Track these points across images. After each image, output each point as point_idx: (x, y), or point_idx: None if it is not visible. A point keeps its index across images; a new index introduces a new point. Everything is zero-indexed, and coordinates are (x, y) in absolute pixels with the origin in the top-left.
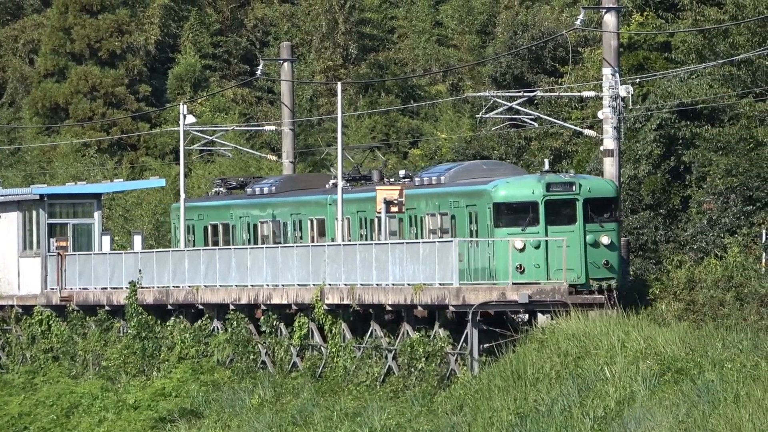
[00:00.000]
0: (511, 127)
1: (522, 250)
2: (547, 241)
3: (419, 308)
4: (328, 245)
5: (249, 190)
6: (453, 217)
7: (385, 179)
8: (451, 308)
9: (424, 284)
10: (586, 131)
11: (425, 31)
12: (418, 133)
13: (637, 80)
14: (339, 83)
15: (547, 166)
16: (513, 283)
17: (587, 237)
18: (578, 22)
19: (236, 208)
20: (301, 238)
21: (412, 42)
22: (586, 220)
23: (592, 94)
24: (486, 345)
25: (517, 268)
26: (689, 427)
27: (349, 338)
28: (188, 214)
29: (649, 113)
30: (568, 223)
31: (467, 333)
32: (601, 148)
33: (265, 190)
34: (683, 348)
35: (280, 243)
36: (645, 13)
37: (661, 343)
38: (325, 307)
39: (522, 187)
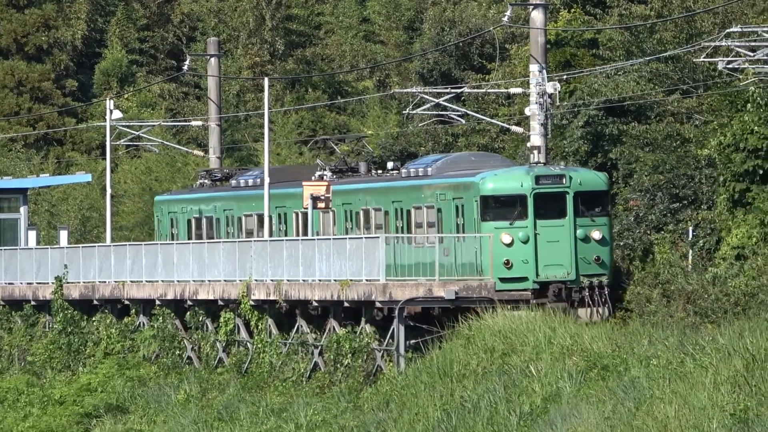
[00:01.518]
0: (438, 124)
1: (510, 245)
2: (536, 235)
3: (346, 304)
4: (254, 240)
5: (233, 182)
6: (439, 210)
7: (373, 171)
8: (378, 304)
9: (351, 280)
10: (513, 128)
11: (352, 27)
12: (345, 129)
13: (564, 77)
14: (266, 79)
15: (535, 159)
16: (439, 279)
17: (577, 231)
18: (505, 19)
19: (220, 200)
20: (286, 231)
21: (339, 38)
22: (576, 214)
23: (519, 90)
24: (412, 341)
25: (505, 263)
26: (615, 424)
27: (275, 334)
28: (171, 206)
29: (576, 110)
30: (557, 217)
31: (394, 329)
32: (528, 144)
33: (250, 182)
34: (609, 344)
35: (264, 236)
36: (572, 10)
37: (588, 340)
38: (252, 302)
39: (510, 179)
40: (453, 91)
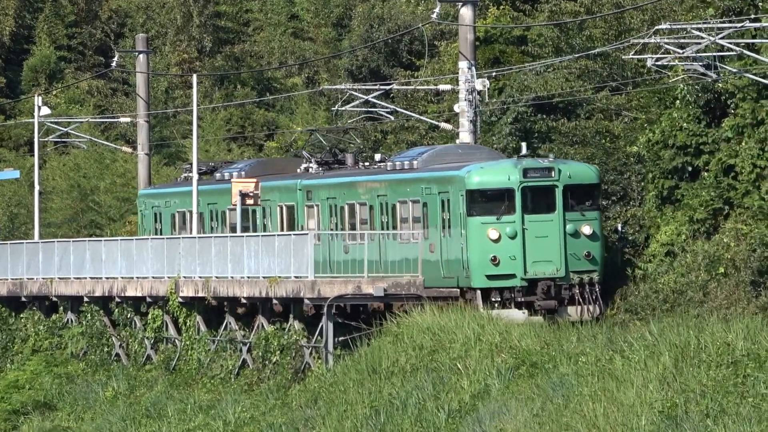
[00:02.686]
0: (367, 120)
1: (497, 240)
2: (524, 230)
3: (274, 301)
4: (182, 237)
5: (218, 175)
6: (425, 204)
7: (360, 163)
8: (307, 301)
9: (280, 277)
10: (443, 125)
11: (281, 24)
12: (274, 126)
13: (494, 74)
14: (194, 75)
15: (524, 151)
16: (368, 276)
17: (567, 226)
18: (434, 16)
19: (204, 194)
20: (270, 226)
21: (268, 35)
22: (566, 209)
23: (448, 87)
24: (341, 338)
25: (492, 260)
26: (544, 421)
27: (203, 331)
28: (155, 200)
29: (505, 107)
30: (546, 212)
31: (322, 326)
32: (457, 141)
33: (235, 175)
34: (538, 342)
35: (249, 231)
36: (501, 7)
37: (516, 337)
38: (180, 299)
39: (497, 172)
40: (382, 87)
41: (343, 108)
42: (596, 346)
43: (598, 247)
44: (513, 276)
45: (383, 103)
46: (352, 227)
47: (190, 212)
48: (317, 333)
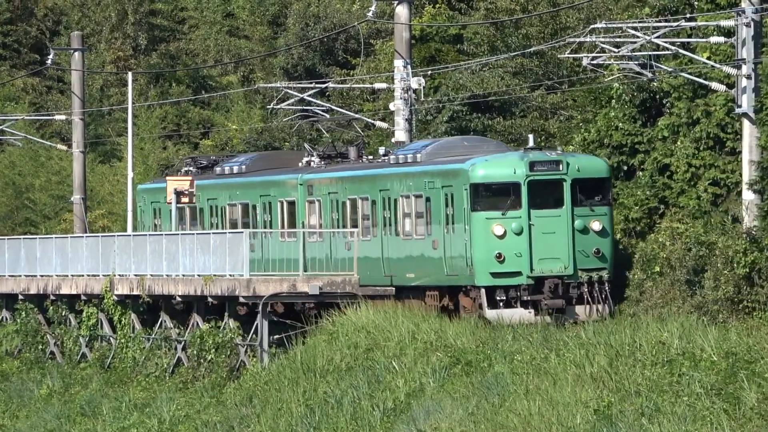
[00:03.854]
0: (302, 119)
1: (502, 236)
2: (530, 226)
3: (209, 299)
4: (117, 235)
5: (218, 169)
6: (428, 199)
7: (364, 157)
8: (242, 299)
9: (215, 275)
10: (378, 123)
11: (216, 22)
12: (210, 124)
13: (429, 72)
14: (129, 73)
15: (531, 143)
16: (303, 274)
17: (576, 222)
18: (370, 14)
19: (203, 189)
20: (270, 222)
21: (203, 33)
22: (574, 203)
23: (384, 86)
24: (276, 336)
25: (497, 257)
26: (479, 420)
27: (138, 329)
28: (155, 196)
29: (440, 105)
30: (554, 207)
31: (257, 324)
32: (393, 140)
33: (235, 169)
34: (473, 340)
35: (249, 227)
36: (437, 5)
37: (451, 336)
38: (115, 297)
39: (502, 165)
40: (317, 86)
41: (279, 106)
42: (531, 344)
43: (608, 243)
44: (519, 274)
45: (319, 102)
46: (354, 223)
47: (191, 207)
48: (252, 331)
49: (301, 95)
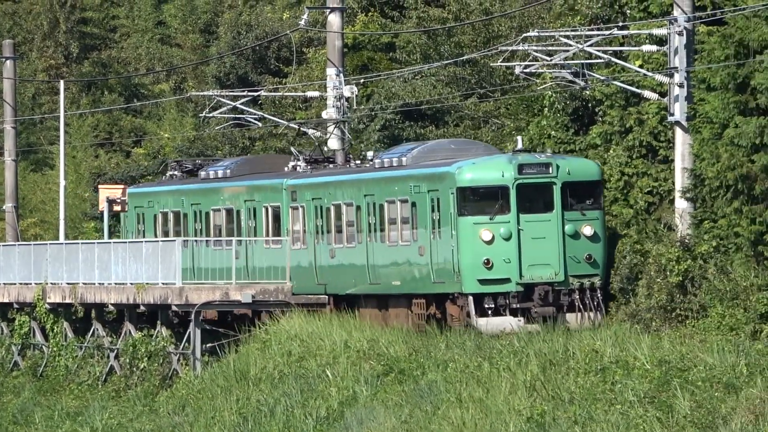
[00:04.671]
0: (234, 127)
1: (490, 242)
2: (519, 231)
3: (142, 307)
4: (50, 244)
5: (203, 173)
6: (414, 204)
7: (352, 161)
8: (174, 308)
9: (147, 284)
10: (311, 131)
11: (148, 30)
12: (142, 132)
13: (362, 80)
14: (62, 81)
15: (519, 145)
16: (236, 282)
17: (566, 227)
18: (302, 22)
19: (188, 194)
20: (255, 228)
21: (135, 41)
22: (564, 208)
23: (316, 94)
24: (209, 345)
25: (485, 263)
26: (412, 428)
27: (71, 337)
28: (138, 200)
29: (373, 114)
30: (543, 211)
31: (190, 332)
32: (325, 148)
33: (220, 173)
34: (406, 349)
35: (234, 234)
36: (369, 14)
37: (384, 344)
38: (47, 305)
39: (490, 169)
40: (250, 94)
41: (211, 114)
42: (464, 352)
43: (600, 249)
44: (507, 280)
45: (251, 110)
46: (339, 230)
47: (175, 213)
48: (185, 339)
49: (234, 103)
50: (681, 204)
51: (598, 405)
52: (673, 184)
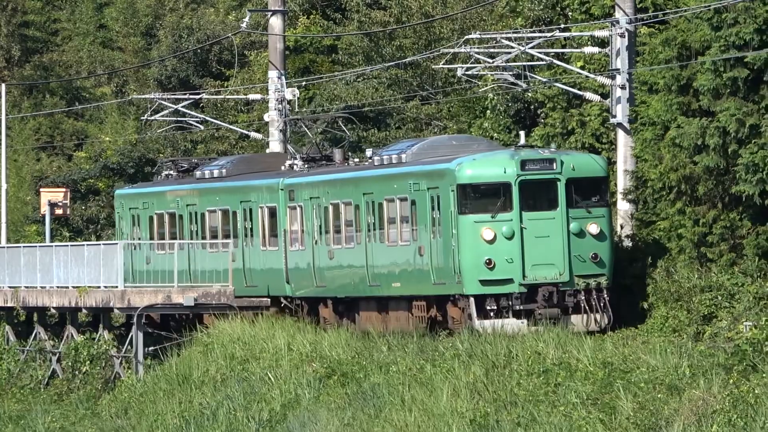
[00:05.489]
0: (176, 130)
1: (492, 241)
2: (522, 230)
3: (84, 310)
4: None
5: (198, 173)
6: (413, 202)
7: (350, 160)
8: (117, 311)
9: (89, 287)
10: (253, 134)
11: (89, 34)
12: (84, 135)
13: (304, 83)
14: (3, 85)
15: (522, 140)
16: (178, 285)
17: (571, 225)
18: (244, 25)
19: (183, 194)
20: (252, 230)
21: (77, 44)
22: (569, 205)
23: (258, 97)
24: (151, 348)
25: (486, 263)
26: (355, 431)
27: (13, 341)
28: (133, 201)
29: (315, 116)
30: (547, 209)
31: (132, 336)
32: (267, 150)
33: (215, 173)
34: (349, 351)
35: (230, 235)
36: (311, 16)
37: (327, 347)
38: None
39: (492, 165)
40: (192, 97)
41: (152, 118)
42: (407, 355)
43: (606, 248)
44: (510, 281)
45: (193, 113)
46: (337, 230)
47: (170, 214)
48: (127, 343)
49: (175, 106)
50: (623, 206)
51: (541, 407)
52: (615, 185)
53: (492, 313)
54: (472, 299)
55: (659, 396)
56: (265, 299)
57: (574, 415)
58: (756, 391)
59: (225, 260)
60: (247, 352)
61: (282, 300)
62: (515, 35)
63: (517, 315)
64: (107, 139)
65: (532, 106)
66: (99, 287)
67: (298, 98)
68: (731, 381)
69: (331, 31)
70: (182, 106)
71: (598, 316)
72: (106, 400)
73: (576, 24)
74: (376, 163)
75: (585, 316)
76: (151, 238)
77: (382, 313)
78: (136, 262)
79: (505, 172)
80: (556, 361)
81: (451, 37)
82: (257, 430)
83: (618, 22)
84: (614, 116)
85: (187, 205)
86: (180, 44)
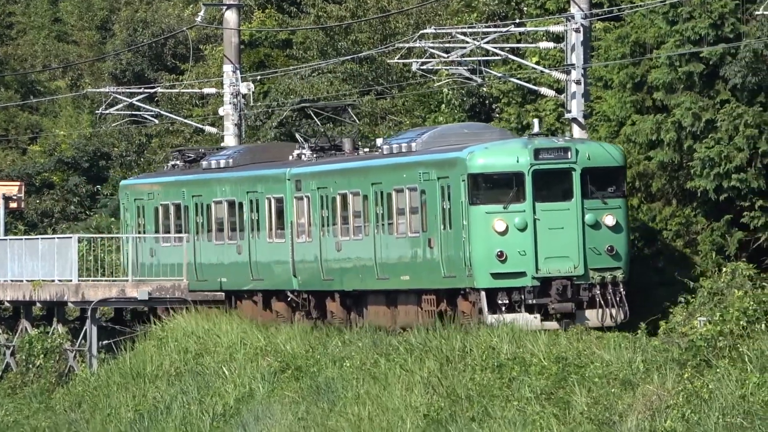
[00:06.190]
0: (131, 124)
1: (504, 233)
2: (535, 221)
3: (38, 304)
4: None
5: (204, 163)
6: (423, 192)
7: (360, 149)
8: (71, 305)
9: (44, 281)
10: (208, 128)
11: (44, 27)
12: (38, 129)
13: (259, 77)
14: None
15: (536, 128)
16: (132, 279)
17: (586, 216)
18: (199, 19)
19: (189, 185)
20: (258, 221)
21: (32, 38)
22: (584, 196)
23: (213, 91)
24: (105, 342)
25: (498, 255)
26: (309, 425)
27: None
28: (138, 192)
29: (270, 110)
30: (562, 199)
31: (86, 330)
32: (222, 144)
33: (222, 163)
34: (303, 345)
35: (236, 227)
36: (267, 10)
37: (281, 341)
38: None
39: (504, 154)
40: (146, 91)
41: (107, 111)
42: (361, 349)
43: (622, 240)
44: (523, 274)
45: (147, 107)
46: (345, 221)
47: (176, 205)
48: (81, 336)
49: (130, 100)
50: None
51: (495, 402)
52: None
53: (503, 308)
54: (483, 293)
55: (613, 391)
56: (219, 293)
57: (528, 410)
58: (709, 387)
59: (232, 253)
60: (201, 346)
61: (288, 294)
62: (470, 30)
63: (530, 309)
64: (62, 132)
65: (488, 101)
66: (53, 281)
67: (253, 92)
68: (685, 376)
69: (286, 25)
70: (137, 100)
71: (613, 311)
72: (60, 394)
73: (531, 19)
74: (385, 152)
75: (600, 310)
76: (156, 230)
77: (391, 308)
78: (140, 255)
79: (517, 162)
80: (511, 356)
81: (406, 31)
82: (211, 423)
83: (573, 17)
84: (569, 111)
85: (193, 196)
86: (135, 38)
